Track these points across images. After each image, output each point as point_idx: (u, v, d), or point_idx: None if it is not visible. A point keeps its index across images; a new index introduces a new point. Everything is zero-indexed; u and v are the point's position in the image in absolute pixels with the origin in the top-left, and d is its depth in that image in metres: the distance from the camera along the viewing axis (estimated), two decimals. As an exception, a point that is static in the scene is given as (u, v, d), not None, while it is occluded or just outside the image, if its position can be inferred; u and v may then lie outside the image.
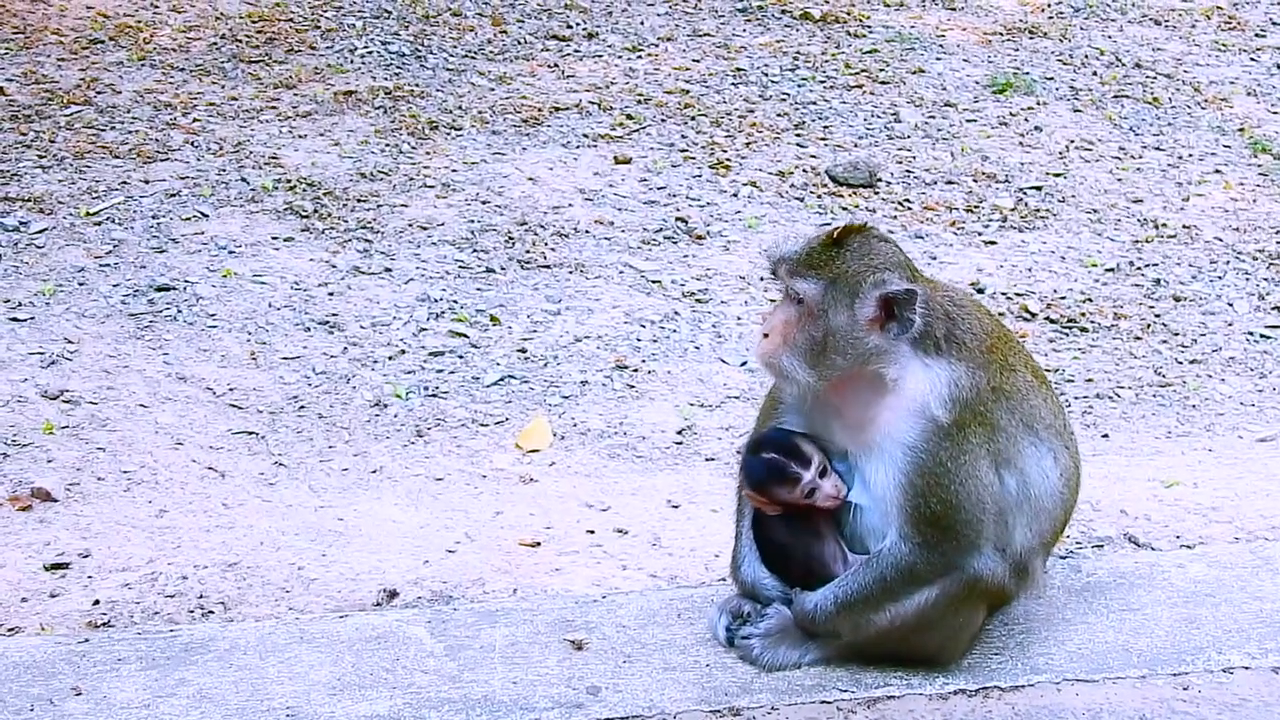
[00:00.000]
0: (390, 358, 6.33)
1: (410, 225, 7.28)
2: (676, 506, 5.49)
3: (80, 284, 6.61)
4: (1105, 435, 6.01)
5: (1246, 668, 4.29)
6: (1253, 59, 9.55)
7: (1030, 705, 4.16)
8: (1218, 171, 8.22)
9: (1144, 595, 4.61)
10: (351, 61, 8.82)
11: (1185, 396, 6.32)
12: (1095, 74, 9.26)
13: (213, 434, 5.74)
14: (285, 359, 6.25)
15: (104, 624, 4.62)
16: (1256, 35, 9.87)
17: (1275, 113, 8.89)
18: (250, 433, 5.78)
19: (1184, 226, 7.67)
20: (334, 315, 6.56)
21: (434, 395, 6.11)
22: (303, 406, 5.98)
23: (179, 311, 6.46)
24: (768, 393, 4.49)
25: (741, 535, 4.44)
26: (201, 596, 4.78)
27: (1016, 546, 4.22)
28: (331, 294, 6.72)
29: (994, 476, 4.13)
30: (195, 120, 8.07)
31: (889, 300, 4.03)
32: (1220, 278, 7.24)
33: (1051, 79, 9.15)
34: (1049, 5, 10.10)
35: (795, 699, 4.18)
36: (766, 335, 4.12)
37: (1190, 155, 8.36)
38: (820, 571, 4.28)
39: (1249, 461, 5.81)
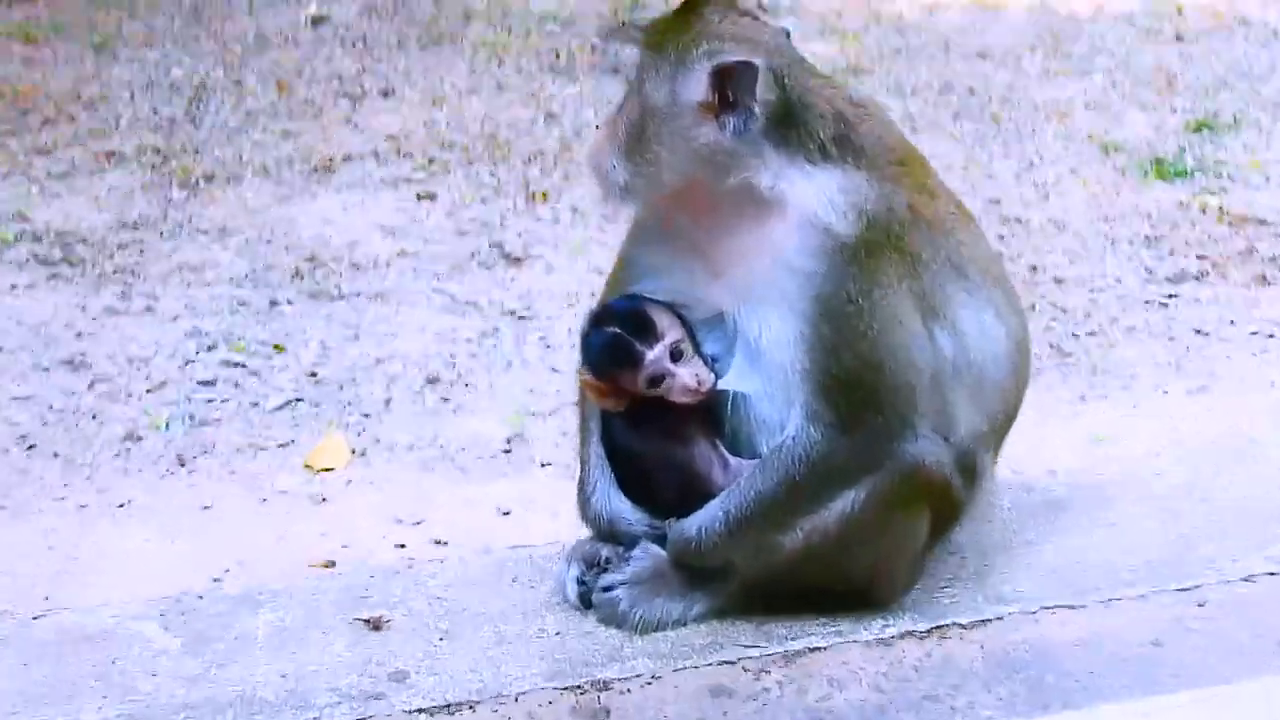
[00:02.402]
0: (149, 390, 5.02)
1: (179, 268, 6.01)
2: (508, 514, 4.27)
3: None
4: (1009, 407, 4.90)
5: (1272, 573, 3.13)
6: (1085, 82, 8.78)
7: (1005, 643, 2.97)
8: (1073, 172, 7.33)
9: (1120, 509, 3.48)
10: (117, 127, 7.56)
11: (1091, 365, 5.30)
12: (928, 102, 8.39)
13: (-87, 479, 4.36)
14: (15, 399, 4.90)
15: None
16: (1082, 61, 9.12)
17: (1120, 123, 8.08)
18: (-38, 477, 4.41)
19: (1049, 220, 6.72)
20: (80, 355, 5.25)
21: (202, 424, 4.81)
22: (32, 446, 4.64)
23: (-114, 361, 5.09)
24: (618, 255, 3.30)
25: (591, 458, 3.19)
26: None
27: (961, 430, 3.05)
28: (79, 335, 5.40)
29: (921, 327, 2.95)
30: (-70, 189, 6.73)
31: (722, 74, 2.86)
32: (1101, 260, 6.28)
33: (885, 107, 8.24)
34: (868, 49, 9.26)
35: (684, 662, 2.94)
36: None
37: (1042, 160, 7.47)
38: (699, 490, 3.04)
39: (1181, 416, 4.75)
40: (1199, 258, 6.27)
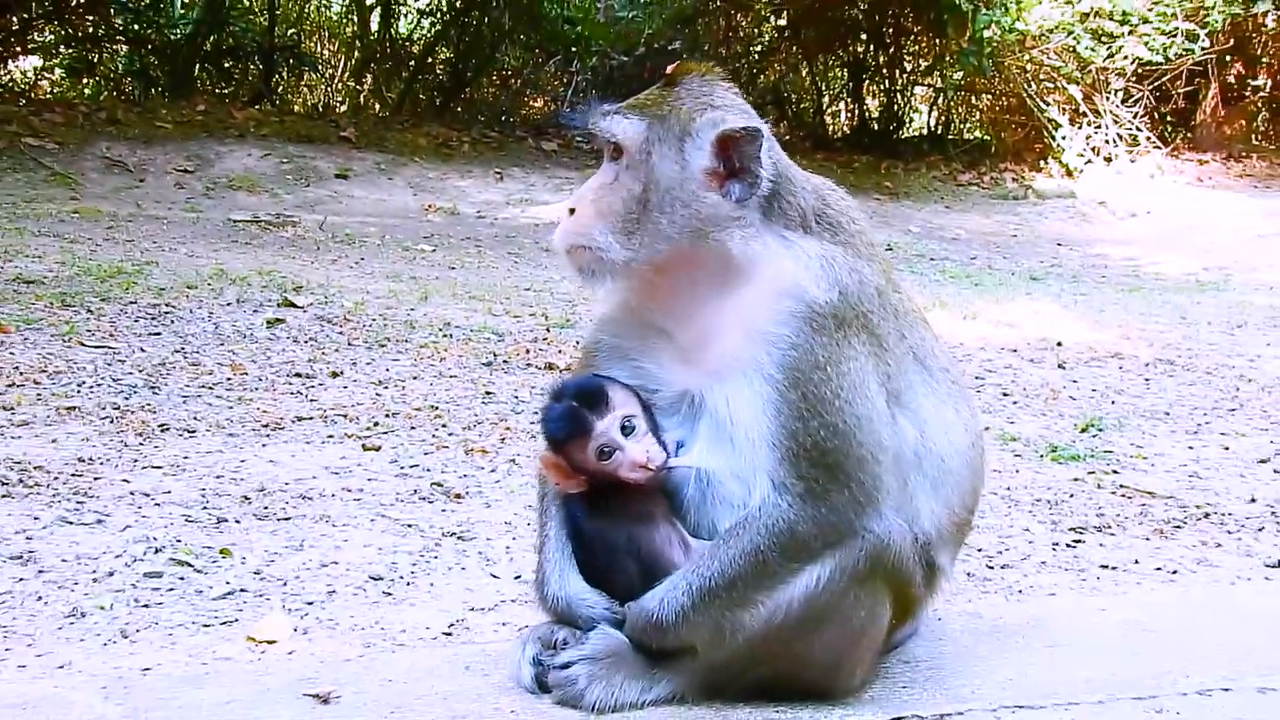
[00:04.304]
0: (95, 580, 4.77)
1: (133, 494, 5.82)
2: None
3: None
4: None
5: (1226, 689, 2.98)
6: (979, 395, 8.96)
7: (966, 738, 2.76)
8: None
9: (1069, 634, 3.31)
10: (79, 392, 7.45)
11: (1008, 587, 5.19)
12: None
13: None
14: (-41, 587, 4.63)
15: None
16: (973, 381, 9.33)
17: (1014, 424, 8.22)
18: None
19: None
20: (30, 552, 5.00)
21: (146, 606, 4.55)
22: (-28, 624, 4.34)
23: None
24: (583, 344, 3.20)
25: (549, 540, 3.01)
26: None
27: (923, 520, 2.92)
28: (30, 538, 5.16)
29: (885, 407, 2.86)
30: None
31: (728, 141, 2.86)
32: (1007, 515, 6.27)
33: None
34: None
35: (641, 749, 2.70)
36: (573, 211, 2.87)
37: (946, 445, 7.53)
38: (659, 573, 2.88)
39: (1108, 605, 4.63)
40: (1098, 515, 6.28)
